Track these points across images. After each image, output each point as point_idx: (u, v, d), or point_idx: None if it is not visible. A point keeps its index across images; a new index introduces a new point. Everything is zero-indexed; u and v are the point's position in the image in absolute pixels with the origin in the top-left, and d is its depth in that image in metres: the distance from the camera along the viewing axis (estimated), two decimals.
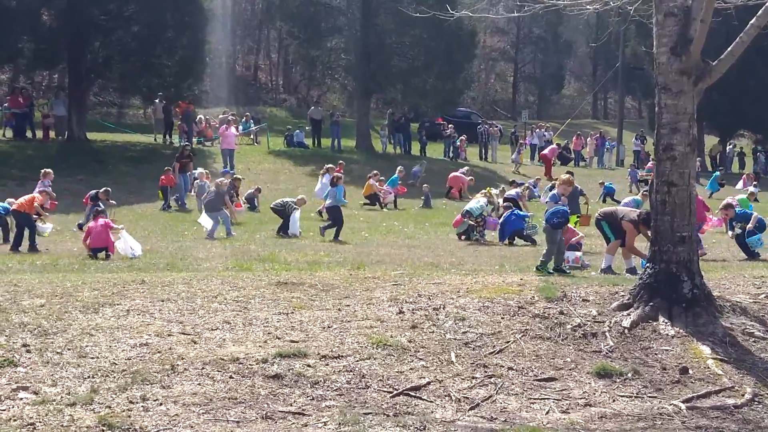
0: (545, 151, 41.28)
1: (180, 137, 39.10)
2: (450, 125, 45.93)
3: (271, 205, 22.21)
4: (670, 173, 9.61)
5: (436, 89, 45.17)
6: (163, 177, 26.14)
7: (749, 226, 18.05)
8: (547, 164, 40.08)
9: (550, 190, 17.19)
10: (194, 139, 39.65)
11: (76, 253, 16.60)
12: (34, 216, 17.99)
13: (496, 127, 48.83)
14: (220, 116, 43.58)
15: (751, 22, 9.78)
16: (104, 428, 6.31)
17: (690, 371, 8.29)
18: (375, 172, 30.04)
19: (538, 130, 48.06)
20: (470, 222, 20.68)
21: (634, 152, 47.98)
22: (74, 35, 35.40)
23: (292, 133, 43.64)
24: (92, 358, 7.75)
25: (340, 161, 31.65)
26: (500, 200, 22.95)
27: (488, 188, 24.92)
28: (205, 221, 20.34)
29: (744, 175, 39.42)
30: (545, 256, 12.84)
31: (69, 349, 7.93)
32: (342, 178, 22.50)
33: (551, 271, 12.59)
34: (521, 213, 20.98)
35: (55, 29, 36.66)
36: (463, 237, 20.63)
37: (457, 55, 43.94)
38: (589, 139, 47.38)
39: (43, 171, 21.69)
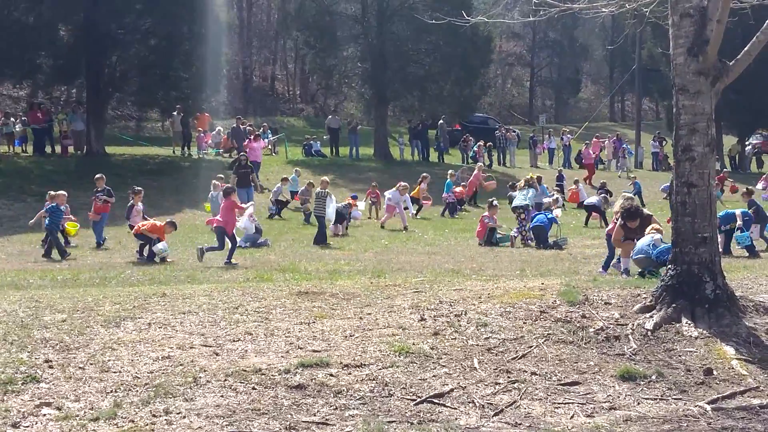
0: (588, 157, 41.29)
1: (198, 149, 39.29)
2: (467, 135, 46.01)
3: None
4: (689, 174, 9.56)
5: (453, 95, 45.27)
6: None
7: (738, 224, 18.15)
8: (590, 170, 40.07)
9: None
10: (211, 150, 39.83)
11: (96, 267, 16.67)
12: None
13: (514, 132, 48.79)
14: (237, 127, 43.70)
15: None
16: None
17: (714, 372, 8.23)
18: (425, 175, 29.88)
19: (564, 136, 47.84)
20: (521, 217, 20.97)
21: (652, 154, 47.84)
22: (92, 50, 35.64)
23: (309, 142, 43.76)
24: (114, 372, 7.77)
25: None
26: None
27: (531, 174, 25.13)
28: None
29: (764, 176, 39.18)
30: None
31: (91, 364, 7.95)
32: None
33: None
34: (551, 216, 20.94)
35: (73, 44, 36.99)
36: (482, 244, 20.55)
37: (473, 60, 44.02)
38: (606, 141, 47.28)
39: (49, 194, 20.62)
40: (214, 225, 18.21)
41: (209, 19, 38.99)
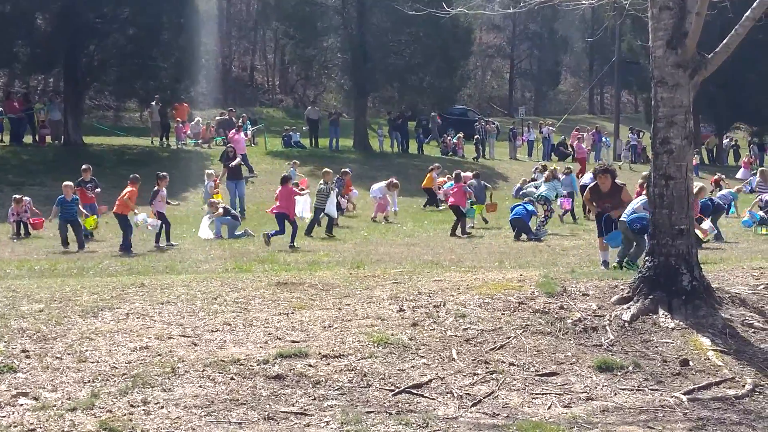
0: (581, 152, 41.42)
1: (177, 140, 39.10)
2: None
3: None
4: (667, 166, 9.61)
5: (433, 87, 45.19)
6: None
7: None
8: (582, 164, 40.21)
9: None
10: (190, 141, 39.64)
11: (75, 257, 16.58)
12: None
13: (493, 124, 48.83)
14: (217, 118, 43.55)
15: (747, 14, 9.79)
16: None
17: (690, 363, 8.29)
18: (437, 164, 29.82)
19: (544, 128, 48.01)
20: (543, 209, 21.29)
21: (630, 146, 48.00)
22: (70, 39, 35.33)
23: (288, 133, 43.64)
24: (92, 362, 7.74)
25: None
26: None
27: (545, 165, 25.93)
28: (205, 232, 20.59)
29: (744, 161, 39.83)
30: (635, 252, 13.33)
31: (69, 354, 7.92)
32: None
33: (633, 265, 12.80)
34: (531, 209, 21.00)
35: (51, 33, 36.63)
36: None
37: (453, 52, 43.97)
38: (585, 134, 47.40)
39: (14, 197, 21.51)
40: (275, 211, 19.48)
41: (188, 8, 38.74)
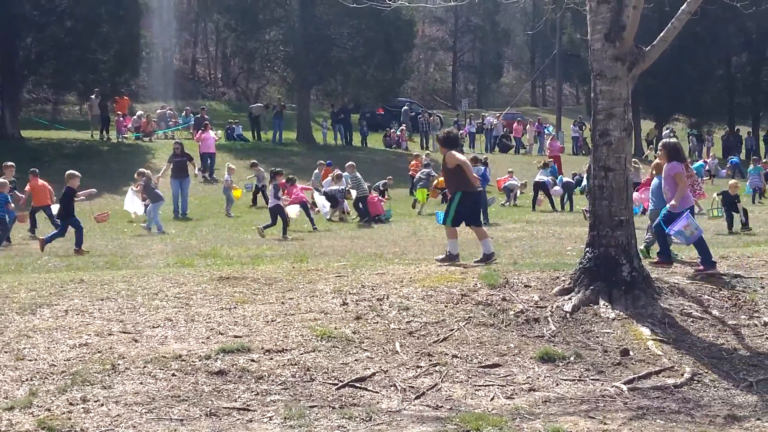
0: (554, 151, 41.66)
1: (118, 133, 38.63)
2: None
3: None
4: (606, 158, 9.72)
5: (376, 79, 45.29)
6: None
7: None
8: (557, 161, 40.48)
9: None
10: (131, 135, 39.20)
11: (12, 253, 16.30)
12: None
13: (437, 116, 49.00)
14: (158, 111, 43.15)
15: (683, 8, 9.95)
16: (44, 431, 6.21)
17: (631, 353, 8.39)
18: (418, 154, 30.76)
19: (486, 120, 48.33)
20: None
21: (572, 138, 48.49)
22: (5, 31, 34.77)
23: (231, 126, 43.37)
24: (30, 360, 7.62)
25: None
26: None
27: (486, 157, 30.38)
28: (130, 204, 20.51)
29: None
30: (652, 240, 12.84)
31: (6, 352, 7.79)
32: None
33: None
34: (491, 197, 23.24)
35: None
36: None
37: (396, 45, 44.10)
38: (528, 126, 47.79)
39: None
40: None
41: (128, 0, 38.30)
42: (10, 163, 20.22)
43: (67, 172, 17.58)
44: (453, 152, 12.43)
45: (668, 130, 52.83)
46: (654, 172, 13.00)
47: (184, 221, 22.22)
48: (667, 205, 11.33)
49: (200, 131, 33.30)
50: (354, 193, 23.37)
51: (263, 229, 19.12)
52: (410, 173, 31.39)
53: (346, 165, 24.94)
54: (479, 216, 13.45)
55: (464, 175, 12.28)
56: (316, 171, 28.74)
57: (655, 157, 14.87)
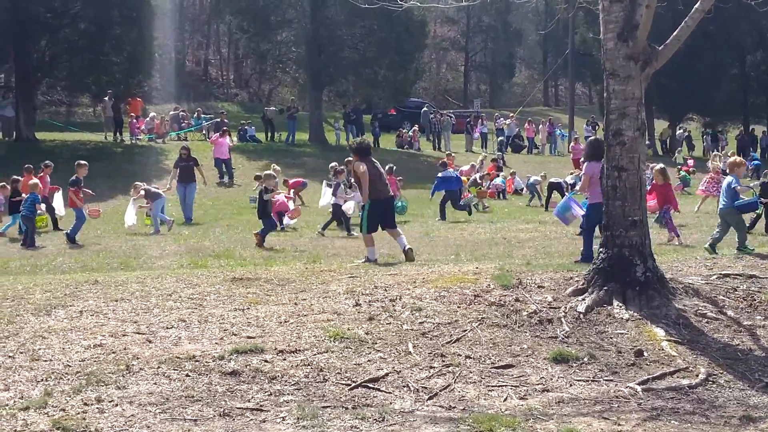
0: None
1: (131, 135, 38.74)
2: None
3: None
4: (619, 158, 9.69)
5: (388, 80, 45.28)
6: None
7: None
8: (576, 165, 40.38)
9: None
10: (144, 136, 39.30)
11: (27, 254, 16.37)
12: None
13: (449, 116, 48.96)
14: (171, 112, 43.26)
15: (696, 6, 9.91)
16: (59, 431, 6.23)
17: (645, 354, 8.37)
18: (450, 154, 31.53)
19: (498, 120, 48.28)
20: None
21: (585, 138, 48.35)
22: (20, 34, 34.94)
23: (244, 128, 43.45)
24: (45, 360, 7.65)
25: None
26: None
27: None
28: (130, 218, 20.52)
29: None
30: (740, 236, 13.09)
31: (21, 353, 7.82)
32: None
33: (751, 249, 12.81)
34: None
35: (0, 28, 36.14)
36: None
37: (407, 45, 44.09)
38: (540, 126, 47.71)
39: None
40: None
41: (140, 2, 38.49)
42: (83, 162, 20.66)
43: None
44: (357, 163, 13.63)
45: (681, 130, 52.73)
46: (727, 170, 13.58)
47: (196, 224, 22.16)
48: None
49: (218, 134, 33.27)
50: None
51: (323, 229, 19.33)
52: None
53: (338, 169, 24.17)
54: (393, 219, 14.24)
55: (368, 184, 13.27)
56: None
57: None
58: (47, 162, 21.91)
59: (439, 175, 24.48)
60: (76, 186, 19.01)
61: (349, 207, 20.21)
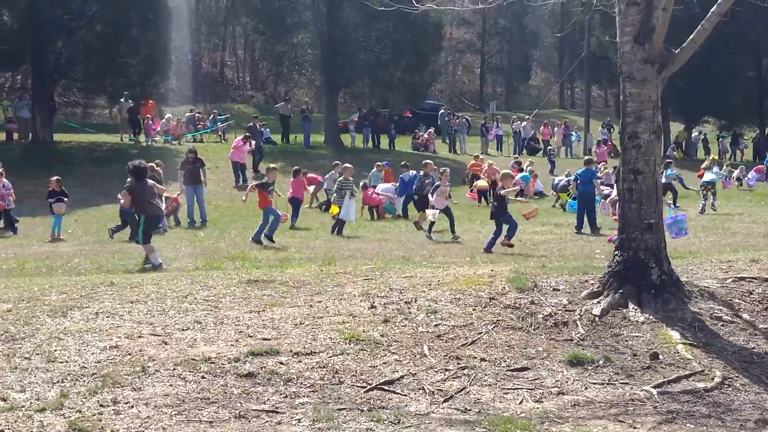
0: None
1: (147, 136, 38.83)
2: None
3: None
4: (635, 161, 9.68)
5: (404, 82, 45.23)
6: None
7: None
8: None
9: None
10: (161, 138, 39.37)
11: (43, 256, 16.45)
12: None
13: (464, 118, 48.92)
14: (187, 114, 43.35)
15: (713, 9, 9.88)
16: None
17: (660, 357, 8.35)
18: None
19: (515, 123, 48.30)
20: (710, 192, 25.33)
21: (601, 141, 48.27)
22: (36, 35, 35.03)
23: (260, 130, 43.45)
24: (61, 362, 7.67)
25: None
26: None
27: (713, 157, 31.49)
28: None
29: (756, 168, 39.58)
30: None
31: (37, 354, 7.85)
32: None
33: None
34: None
35: (17, 29, 36.32)
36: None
37: (423, 47, 44.04)
38: (555, 129, 47.61)
39: None
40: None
41: (157, 4, 38.52)
42: (273, 166, 21.01)
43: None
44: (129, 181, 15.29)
45: (697, 132, 52.51)
46: None
47: (211, 226, 22.19)
48: None
49: (241, 139, 33.18)
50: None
51: (430, 231, 19.20)
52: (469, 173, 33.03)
53: (343, 167, 24.08)
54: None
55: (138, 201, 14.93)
56: (374, 171, 28.66)
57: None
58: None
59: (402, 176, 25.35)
60: (262, 188, 19.04)
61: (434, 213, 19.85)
